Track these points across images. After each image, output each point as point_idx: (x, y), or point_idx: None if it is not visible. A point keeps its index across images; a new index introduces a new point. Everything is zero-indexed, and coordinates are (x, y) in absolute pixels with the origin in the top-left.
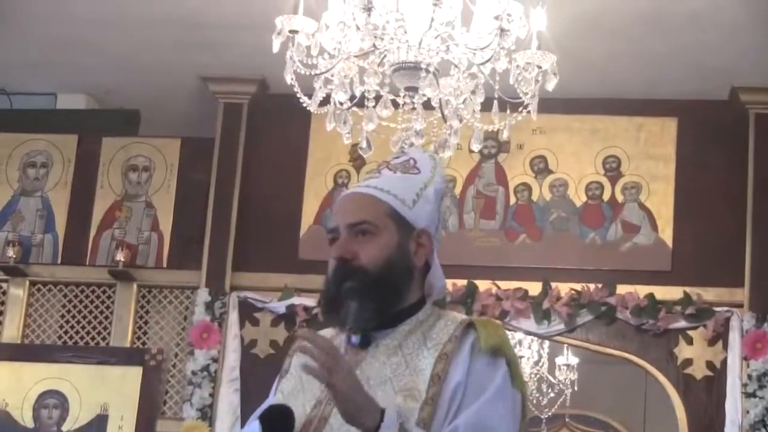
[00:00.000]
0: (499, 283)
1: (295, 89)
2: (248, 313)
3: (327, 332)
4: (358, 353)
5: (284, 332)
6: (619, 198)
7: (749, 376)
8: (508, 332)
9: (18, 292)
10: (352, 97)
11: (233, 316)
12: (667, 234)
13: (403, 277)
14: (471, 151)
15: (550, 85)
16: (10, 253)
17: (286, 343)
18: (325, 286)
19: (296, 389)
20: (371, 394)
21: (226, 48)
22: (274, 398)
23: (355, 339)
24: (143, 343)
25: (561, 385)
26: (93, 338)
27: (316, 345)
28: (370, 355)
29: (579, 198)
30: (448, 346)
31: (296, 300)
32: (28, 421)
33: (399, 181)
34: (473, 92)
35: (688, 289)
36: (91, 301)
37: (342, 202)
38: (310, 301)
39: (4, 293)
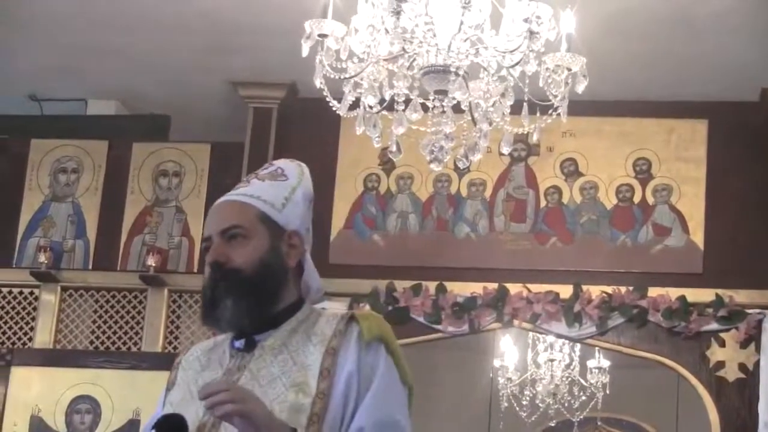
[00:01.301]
0: (529, 286)
1: (325, 93)
2: None
3: (207, 344)
4: (244, 357)
5: None
6: (650, 200)
7: None
8: (539, 335)
9: (50, 298)
10: (381, 101)
11: None
12: (698, 236)
13: (276, 277)
14: (501, 154)
15: (580, 88)
16: (42, 258)
17: None
18: (203, 293)
19: (185, 399)
20: (262, 394)
21: (256, 53)
22: (162, 409)
23: (238, 343)
24: (174, 348)
25: (593, 389)
26: (124, 343)
27: (213, 389)
28: (255, 356)
29: (609, 200)
30: (334, 341)
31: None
32: (60, 427)
33: (268, 188)
34: (503, 95)
35: (719, 292)
36: (123, 306)
37: (213, 211)
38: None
39: (36, 299)
